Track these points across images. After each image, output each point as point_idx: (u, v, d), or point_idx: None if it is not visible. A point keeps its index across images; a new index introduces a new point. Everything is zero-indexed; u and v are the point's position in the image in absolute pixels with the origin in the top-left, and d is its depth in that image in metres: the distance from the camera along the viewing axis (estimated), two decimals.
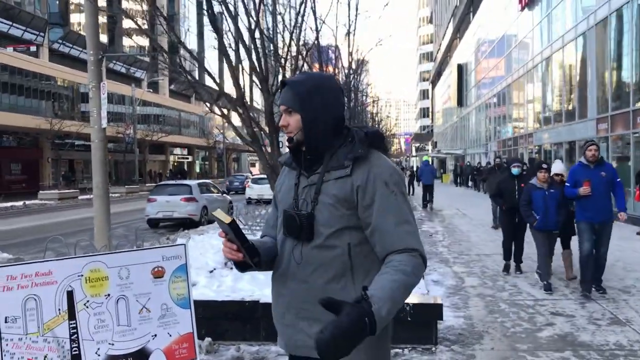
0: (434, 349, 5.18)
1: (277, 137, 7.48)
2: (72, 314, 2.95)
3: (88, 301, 2.99)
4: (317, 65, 13.11)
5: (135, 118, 44.19)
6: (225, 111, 8.97)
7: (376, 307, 1.71)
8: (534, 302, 6.89)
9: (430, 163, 26.87)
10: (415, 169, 36.63)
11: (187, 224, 16.65)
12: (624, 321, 5.99)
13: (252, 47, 7.08)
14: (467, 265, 9.50)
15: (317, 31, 9.21)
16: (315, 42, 10.69)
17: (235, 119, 8.60)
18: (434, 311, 5.25)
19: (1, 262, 4.27)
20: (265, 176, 31.07)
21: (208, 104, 9.95)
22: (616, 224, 7.48)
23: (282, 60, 8.11)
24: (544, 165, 7.56)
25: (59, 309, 2.93)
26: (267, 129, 7.66)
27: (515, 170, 8.54)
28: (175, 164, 66.98)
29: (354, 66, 13.61)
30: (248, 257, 2.03)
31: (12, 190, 36.30)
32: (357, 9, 11.50)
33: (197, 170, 70.28)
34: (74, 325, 2.95)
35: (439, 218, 17.89)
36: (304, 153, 2.11)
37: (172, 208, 17.23)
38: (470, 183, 35.22)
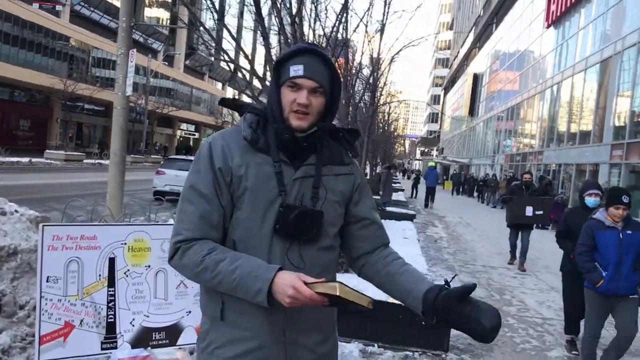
0: (444, 355, 5.19)
1: None
2: (111, 281, 2.95)
3: (129, 270, 2.99)
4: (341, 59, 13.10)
5: (147, 89, 44.08)
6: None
7: None
8: (542, 320, 6.90)
9: (435, 168, 28.20)
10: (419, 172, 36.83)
11: None
12: (633, 351, 5.98)
13: (292, 34, 7.06)
14: (473, 275, 9.49)
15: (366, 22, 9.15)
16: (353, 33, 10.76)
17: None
18: None
19: (29, 218, 4.30)
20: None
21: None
22: None
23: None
24: (625, 199, 4.51)
25: (100, 275, 2.93)
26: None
27: (590, 201, 5.59)
28: (182, 139, 66.95)
29: (382, 63, 13.57)
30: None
31: (19, 145, 36.30)
32: (388, 6, 11.47)
33: None
34: (113, 292, 2.95)
35: (442, 224, 17.89)
36: (296, 139, 1.78)
37: (181, 182, 17.15)
38: (475, 194, 35.12)
